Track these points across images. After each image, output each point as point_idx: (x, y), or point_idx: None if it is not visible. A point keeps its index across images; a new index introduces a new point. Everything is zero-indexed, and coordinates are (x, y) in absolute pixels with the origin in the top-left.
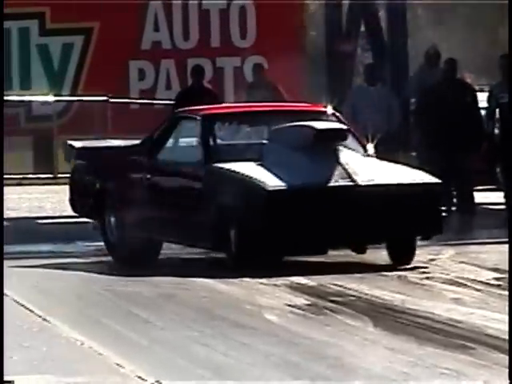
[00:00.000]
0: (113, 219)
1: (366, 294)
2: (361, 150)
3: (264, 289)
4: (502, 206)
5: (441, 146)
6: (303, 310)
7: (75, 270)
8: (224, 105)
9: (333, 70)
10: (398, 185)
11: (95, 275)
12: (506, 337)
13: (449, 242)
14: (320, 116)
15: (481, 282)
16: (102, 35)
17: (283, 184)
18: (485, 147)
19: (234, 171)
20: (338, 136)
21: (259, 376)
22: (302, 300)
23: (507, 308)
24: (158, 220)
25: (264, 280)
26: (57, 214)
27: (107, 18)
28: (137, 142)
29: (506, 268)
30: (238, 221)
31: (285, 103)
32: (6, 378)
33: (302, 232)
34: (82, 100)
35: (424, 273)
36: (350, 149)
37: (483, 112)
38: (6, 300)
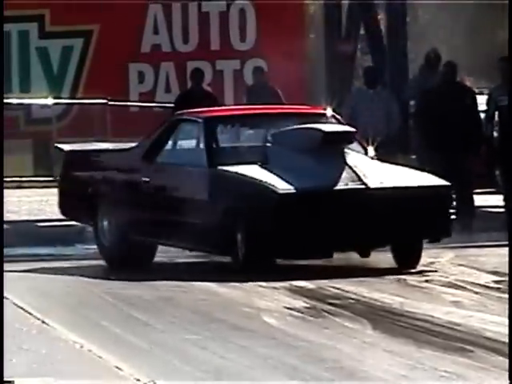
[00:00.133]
0: (106, 223)
1: (365, 297)
2: (363, 152)
3: (263, 291)
4: (502, 209)
5: (440, 149)
6: (302, 313)
7: (74, 272)
8: (223, 107)
9: (332, 72)
10: (408, 187)
11: (94, 278)
12: (505, 340)
13: (448, 245)
14: (321, 118)
15: (480, 284)
16: (102, 38)
17: (294, 187)
18: (484, 150)
19: (241, 174)
20: (345, 138)
21: (258, 379)
22: (300, 303)
23: (507, 310)
24: (157, 223)
25: (263, 283)
26: (56, 217)
27: (107, 21)
28: (129, 145)
29: (506, 271)
30: (247, 224)
31: (286, 105)
32: (5, 379)
33: (313, 235)
34: (81, 103)
35: (423, 276)
36: (354, 151)
37: (483, 115)
38: (5, 303)
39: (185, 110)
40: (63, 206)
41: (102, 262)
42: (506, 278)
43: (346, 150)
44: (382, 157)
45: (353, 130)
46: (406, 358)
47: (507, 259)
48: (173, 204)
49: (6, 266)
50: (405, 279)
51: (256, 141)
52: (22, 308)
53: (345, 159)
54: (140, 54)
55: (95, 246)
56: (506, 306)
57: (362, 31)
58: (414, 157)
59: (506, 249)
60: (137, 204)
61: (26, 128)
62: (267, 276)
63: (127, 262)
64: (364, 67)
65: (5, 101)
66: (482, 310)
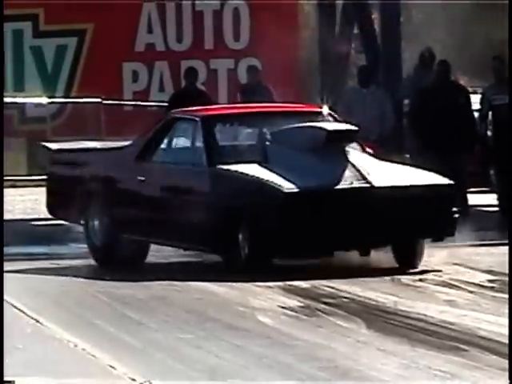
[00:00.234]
0: (97, 222)
1: (359, 296)
2: (361, 151)
3: (257, 291)
4: (496, 208)
5: (434, 148)
6: (296, 312)
7: (69, 271)
8: (220, 106)
9: (326, 71)
10: (413, 186)
11: (88, 277)
12: (499, 339)
13: (442, 244)
14: (319, 117)
15: (474, 284)
16: (96, 37)
17: (299, 186)
18: (478, 149)
19: (243, 173)
20: (348, 137)
21: (252, 378)
22: (294, 302)
23: (507, 310)
24: (154, 223)
25: (257, 282)
26: (51, 216)
27: (101, 20)
28: (117, 144)
29: (500, 270)
30: (251, 223)
31: (283, 104)
32: (6, 379)
33: (319, 234)
34: (75, 102)
35: (417, 275)
36: (355, 150)
37: (476, 114)
38: None
39: (180, 109)
40: (51, 205)
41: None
42: (501, 277)
43: (347, 148)
44: (375, 156)
45: (356, 128)
46: (400, 357)
47: (502, 258)
48: (170, 203)
49: None
50: (399, 278)
51: (254, 139)
52: (15, 307)
53: (347, 158)
54: (134, 53)
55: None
56: (500, 305)
57: (355, 30)
58: (407, 156)
59: (500, 248)
60: (131, 203)
61: (20, 127)
62: (267, 276)
63: (119, 261)
64: (358, 66)
65: None
66: (476, 309)
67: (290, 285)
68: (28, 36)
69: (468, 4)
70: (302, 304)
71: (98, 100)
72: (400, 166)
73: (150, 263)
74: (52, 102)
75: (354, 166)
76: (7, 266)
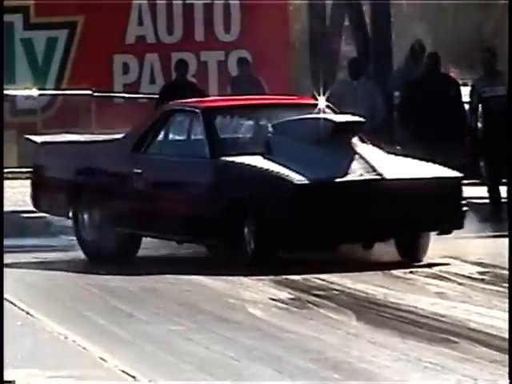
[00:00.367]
0: (87, 216)
1: (350, 288)
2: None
3: (248, 283)
4: (486, 201)
5: (424, 140)
6: (286, 304)
7: (59, 264)
8: (218, 98)
9: (317, 64)
10: (423, 179)
11: (79, 269)
12: (489, 330)
13: (432, 237)
14: (318, 109)
15: (464, 276)
16: (87, 29)
17: (309, 178)
18: (468, 141)
19: (250, 165)
20: (355, 128)
21: (242, 370)
22: (285, 294)
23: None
24: (152, 216)
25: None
26: None
27: (91, 12)
28: (103, 137)
29: (490, 262)
30: (258, 216)
31: (283, 96)
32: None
33: (327, 227)
34: (66, 94)
35: (407, 267)
36: (359, 142)
37: (467, 106)
38: None
39: (177, 101)
40: (36, 198)
41: None
42: (491, 270)
43: (353, 140)
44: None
45: (363, 119)
46: (391, 349)
47: (492, 250)
48: (170, 196)
49: None
50: (389, 270)
51: (254, 131)
52: (6, 299)
53: (354, 149)
54: (125, 45)
55: None
56: (491, 297)
57: (346, 23)
58: (398, 148)
59: (491, 240)
60: (127, 196)
61: (11, 119)
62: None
63: (110, 256)
64: (348, 58)
65: None
66: (467, 301)
67: (280, 277)
68: (19, 28)
69: None
70: (292, 296)
71: (89, 92)
72: (406, 158)
73: (141, 256)
74: (42, 95)
75: (362, 157)
76: None
